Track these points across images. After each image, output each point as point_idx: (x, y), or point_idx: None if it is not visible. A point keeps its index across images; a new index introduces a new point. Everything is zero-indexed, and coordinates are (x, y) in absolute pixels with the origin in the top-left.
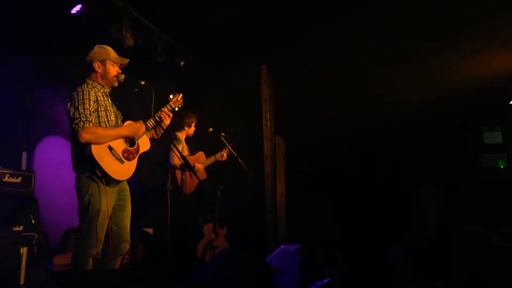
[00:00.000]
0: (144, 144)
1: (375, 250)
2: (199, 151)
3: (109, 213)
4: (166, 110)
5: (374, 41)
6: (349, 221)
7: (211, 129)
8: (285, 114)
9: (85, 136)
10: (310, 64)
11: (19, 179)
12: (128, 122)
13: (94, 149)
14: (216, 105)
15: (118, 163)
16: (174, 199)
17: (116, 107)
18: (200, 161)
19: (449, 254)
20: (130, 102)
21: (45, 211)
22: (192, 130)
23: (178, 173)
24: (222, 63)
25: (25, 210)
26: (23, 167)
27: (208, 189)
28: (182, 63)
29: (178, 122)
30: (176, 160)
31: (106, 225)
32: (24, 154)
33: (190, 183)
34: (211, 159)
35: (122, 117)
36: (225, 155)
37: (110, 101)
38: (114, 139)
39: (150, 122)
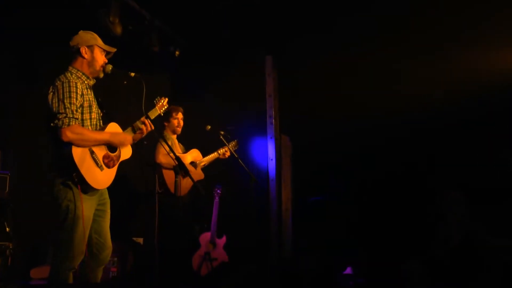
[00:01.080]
0: (126, 151)
1: (390, 264)
2: (193, 148)
3: (91, 219)
4: (147, 122)
5: (392, 32)
6: (362, 231)
7: (209, 127)
8: (292, 111)
9: (69, 135)
10: (321, 56)
11: None
12: (112, 125)
13: (75, 151)
14: (215, 101)
15: (98, 169)
16: (164, 203)
17: (98, 103)
18: (196, 159)
19: (475, 269)
20: (117, 96)
21: (21, 218)
22: (177, 122)
23: (167, 173)
24: (221, 53)
25: None
26: None
27: (204, 192)
28: (177, 53)
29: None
30: (162, 158)
31: (87, 233)
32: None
33: (183, 185)
34: (213, 156)
35: (102, 115)
36: (228, 152)
37: (93, 95)
38: (98, 145)
39: (137, 125)
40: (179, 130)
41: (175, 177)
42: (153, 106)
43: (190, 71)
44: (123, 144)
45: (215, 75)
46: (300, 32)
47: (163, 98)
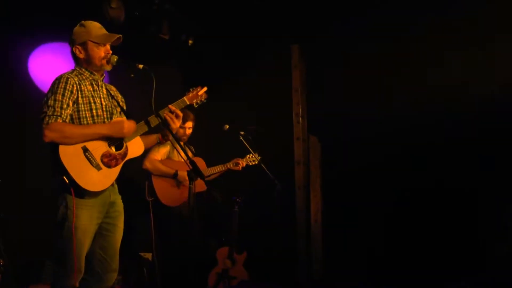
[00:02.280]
0: (135, 148)
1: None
2: (196, 156)
3: (92, 232)
4: (173, 108)
5: (439, 22)
6: (404, 248)
7: (227, 126)
8: (322, 108)
9: (48, 135)
10: (355, 45)
11: None
12: (117, 119)
13: (63, 150)
14: (234, 96)
15: (94, 169)
16: (176, 215)
17: (112, 98)
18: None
19: None
20: (123, 92)
21: (15, 231)
22: (183, 131)
23: (156, 180)
24: (241, 42)
25: None
26: None
27: (221, 200)
28: (190, 42)
29: None
30: (148, 163)
31: (86, 246)
32: None
33: (176, 195)
34: (220, 169)
35: (118, 113)
36: (242, 163)
37: (104, 91)
38: (89, 140)
39: (153, 119)
40: (185, 139)
41: (189, 184)
42: (164, 104)
43: (205, 63)
44: (122, 134)
45: (233, 67)
46: (332, 16)
47: (199, 87)
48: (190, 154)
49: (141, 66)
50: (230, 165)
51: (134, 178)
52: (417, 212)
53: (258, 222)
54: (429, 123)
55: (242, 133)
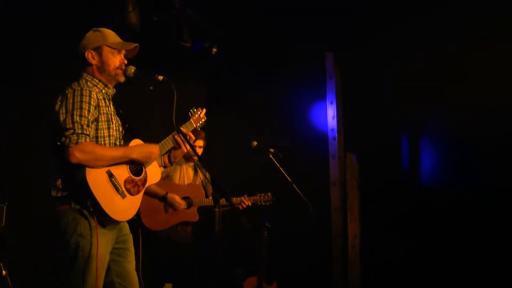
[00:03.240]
0: (153, 174)
1: None
2: (198, 184)
3: (107, 261)
4: (185, 130)
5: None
6: (450, 277)
7: (255, 143)
8: (360, 123)
9: (78, 156)
10: (398, 56)
11: None
12: (136, 142)
13: (90, 173)
14: (262, 110)
15: (119, 197)
16: (164, 238)
17: (119, 117)
18: (195, 196)
19: None
20: (141, 106)
21: (20, 257)
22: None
23: (145, 198)
24: (270, 49)
25: None
26: None
27: (250, 227)
28: (214, 50)
29: None
30: None
31: (102, 277)
32: None
33: (157, 218)
34: (211, 200)
35: (123, 132)
36: (246, 202)
37: (112, 107)
38: (117, 163)
39: (168, 142)
40: (195, 159)
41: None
42: (187, 118)
43: (230, 73)
44: (149, 159)
45: (261, 77)
46: (370, 21)
47: (199, 109)
48: (190, 179)
49: (161, 77)
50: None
51: None
52: (464, 237)
53: (290, 248)
54: (474, 136)
55: (271, 150)
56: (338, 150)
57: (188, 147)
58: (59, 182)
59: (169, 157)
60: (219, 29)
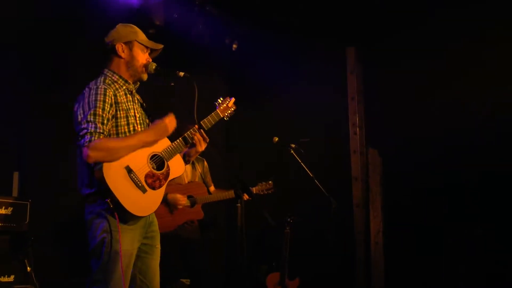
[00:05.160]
0: (176, 167)
1: None
2: (197, 181)
3: (134, 257)
4: (197, 135)
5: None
6: (476, 275)
7: (276, 139)
8: (382, 118)
9: (92, 155)
10: (421, 47)
11: (9, 210)
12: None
13: (107, 169)
14: (283, 105)
15: (139, 192)
16: (173, 237)
17: (144, 110)
18: (198, 193)
19: None
20: (163, 102)
21: (46, 254)
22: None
23: None
24: (290, 44)
25: (17, 253)
26: (15, 193)
27: (274, 223)
28: (234, 46)
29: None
30: None
31: (129, 274)
32: (16, 175)
33: (162, 220)
34: (225, 195)
35: (149, 124)
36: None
37: (137, 102)
38: (134, 150)
39: (189, 134)
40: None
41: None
42: (212, 109)
43: (250, 69)
44: (166, 132)
45: (282, 73)
46: (392, 15)
47: (227, 98)
48: (189, 177)
49: (182, 73)
50: (231, 194)
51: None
52: (492, 235)
53: (312, 244)
54: (503, 132)
55: (293, 146)
56: (359, 145)
57: (207, 139)
58: (85, 179)
59: (184, 155)
60: (240, 25)
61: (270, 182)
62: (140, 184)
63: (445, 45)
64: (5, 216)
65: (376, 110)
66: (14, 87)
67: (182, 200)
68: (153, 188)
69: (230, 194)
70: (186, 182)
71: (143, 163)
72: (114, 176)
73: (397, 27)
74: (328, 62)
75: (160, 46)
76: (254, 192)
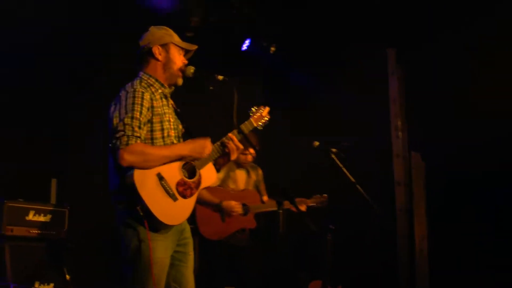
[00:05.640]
0: (208, 176)
1: None
2: (251, 188)
3: (168, 265)
4: (232, 136)
5: None
6: None
7: (317, 143)
8: (425, 120)
9: (127, 158)
10: (465, 46)
11: (47, 217)
12: (194, 139)
13: (138, 176)
14: (322, 109)
15: (170, 200)
16: (223, 244)
17: (177, 116)
18: (251, 201)
19: None
20: (200, 107)
21: (84, 262)
22: (244, 158)
23: (198, 207)
24: (329, 47)
25: (56, 261)
26: (53, 200)
27: (316, 230)
28: (272, 49)
29: None
30: None
31: (163, 284)
32: (54, 182)
33: (215, 227)
34: (274, 205)
35: (183, 131)
36: (304, 204)
37: (171, 107)
38: (168, 162)
39: (217, 148)
40: (245, 165)
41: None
42: (246, 117)
43: (288, 70)
44: (201, 154)
45: (321, 75)
46: (433, 15)
47: (261, 107)
48: (243, 185)
49: (221, 77)
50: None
51: None
52: None
53: (354, 251)
54: None
55: (334, 150)
56: (402, 149)
57: (241, 146)
58: (116, 185)
59: (215, 164)
60: (278, 27)
61: (325, 195)
62: (171, 192)
63: (489, 45)
64: (43, 223)
65: (418, 113)
66: (52, 92)
67: (237, 207)
68: (184, 196)
69: (286, 204)
70: (241, 189)
71: (174, 171)
72: (145, 183)
73: (439, 27)
74: (368, 63)
75: (195, 47)
76: (309, 204)
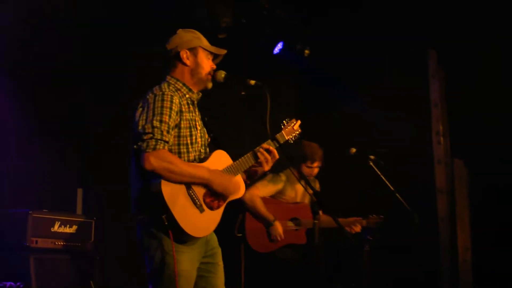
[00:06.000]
0: (236, 188)
1: None
2: (307, 202)
3: (194, 277)
4: (271, 147)
5: None
6: None
7: (354, 150)
8: (468, 126)
9: (153, 162)
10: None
11: (73, 229)
12: (218, 154)
13: (166, 185)
14: (359, 115)
15: (196, 211)
16: (270, 257)
17: (204, 124)
18: (303, 216)
19: None
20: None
21: (110, 275)
22: (309, 171)
23: (248, 217)
24: (366, 49)
25: (82, 273)
26: (79, 210)
27: (354, 241)
28: (307, 52)
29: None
30: (247, 195)
31: None
32: (80, 192)
33: (264, 240)
34: (328, 223)
35: (209, 140)
36: (359, 225)
37: (198, 114)
38: (191, 181)
39: (248, 158)
40: (310, 178)
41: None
42: (278, 130)
43: (324, 76)
44: (225, 193)
45: (358, 79)
46: (475, 15)
47: (293, 120)
48: (306, 199)
49: (253, 82)
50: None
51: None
52: None
53: (393, 263)
54: None
55: (372, 157)
56: (444, 154)
57: (277, 156)
58: (140, 191)
59: (248, 175)
60: (312, 30)
61: (381, 216)
62: (198, 203)
63: None
64: (70, 234)
65: (461, 117)
66: (73, 102)
67: (280, 237)
68: (211, 208)
69: (348, 222)
70: (296, 201)
71: None
72: (172, 192)
73: (481, 27)
74: (407, 66)
75: (224, 51)
76: (365, 224)
